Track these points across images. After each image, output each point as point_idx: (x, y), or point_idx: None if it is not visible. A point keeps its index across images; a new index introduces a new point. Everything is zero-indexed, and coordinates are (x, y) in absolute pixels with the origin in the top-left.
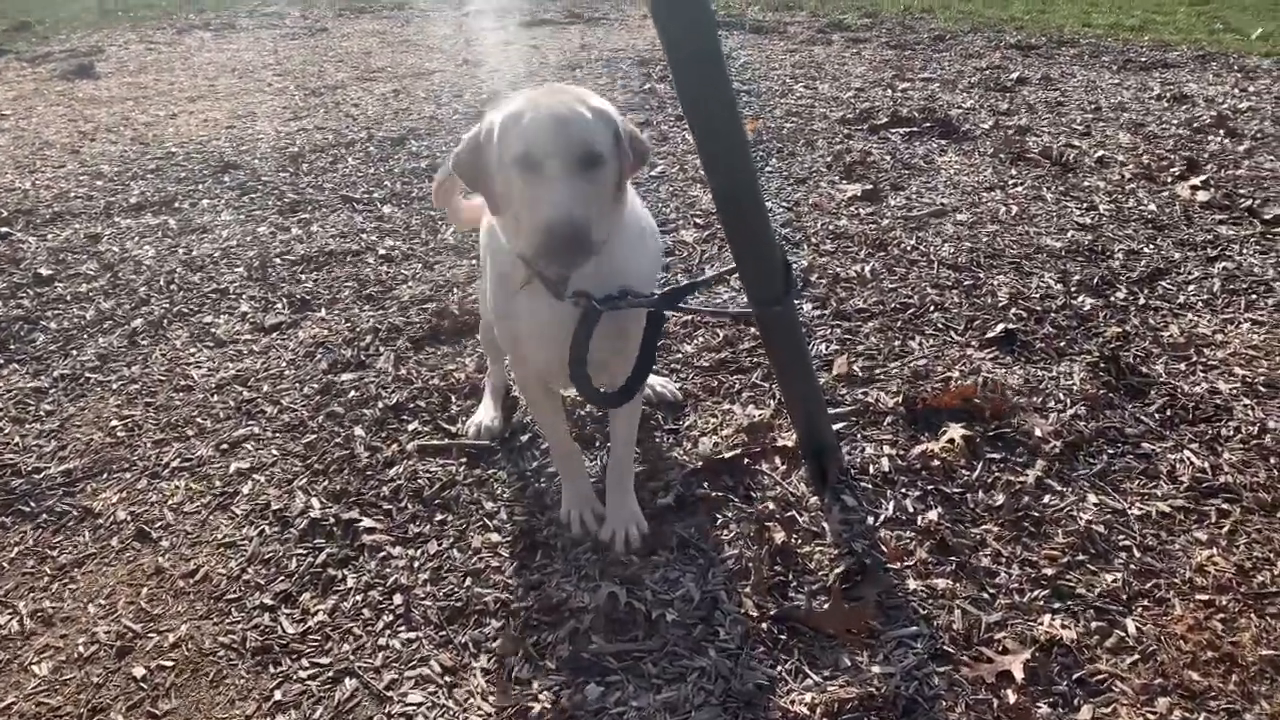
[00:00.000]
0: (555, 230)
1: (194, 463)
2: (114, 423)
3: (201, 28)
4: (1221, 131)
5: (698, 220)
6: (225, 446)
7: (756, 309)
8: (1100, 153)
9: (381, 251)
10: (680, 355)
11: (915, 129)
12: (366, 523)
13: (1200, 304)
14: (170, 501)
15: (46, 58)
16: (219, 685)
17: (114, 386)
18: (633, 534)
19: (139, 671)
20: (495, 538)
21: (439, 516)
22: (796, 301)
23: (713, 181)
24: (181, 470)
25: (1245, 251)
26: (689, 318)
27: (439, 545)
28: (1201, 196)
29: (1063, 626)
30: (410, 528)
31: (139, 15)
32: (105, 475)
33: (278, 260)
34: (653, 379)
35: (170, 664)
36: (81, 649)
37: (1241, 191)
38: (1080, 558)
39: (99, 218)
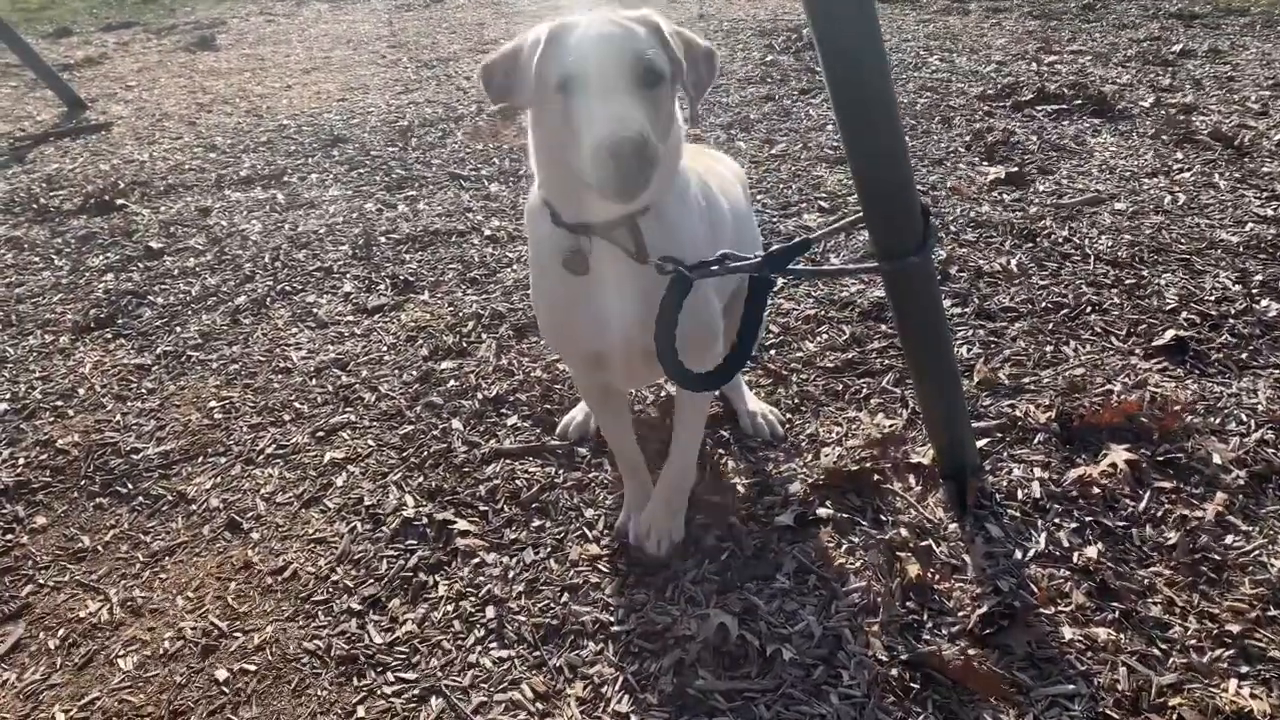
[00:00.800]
0: (619, 145)
1: (289, 450)
2: (212, 404)
3: None
4: None
5: (822, 203)
6: (321, 434)
7: (887, 264)
8: None
9: (487, 232)
10: (801, 354)
11: (1064, 106)
12: (461, 525)
13: None
14: (263, 491)
15: (172, 29)
16: (301, 695)
17: (214, 366)
18: (663, 541)
19: (222, 674)
20: (594, 549)
21: (536, 522)
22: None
23: (836, 85)
24: (276, 458)
25: None
26: (810, 310)
27: (535, 554)
28: None
29: (1251, 696)
30: (506, 533)
31: None
32: (201, 459)
33: (383, 239)
34: (758, 405)
35: (253, 668)
36: (167, 645)
37: None
38: (1272, 613)
39: (210, 190)
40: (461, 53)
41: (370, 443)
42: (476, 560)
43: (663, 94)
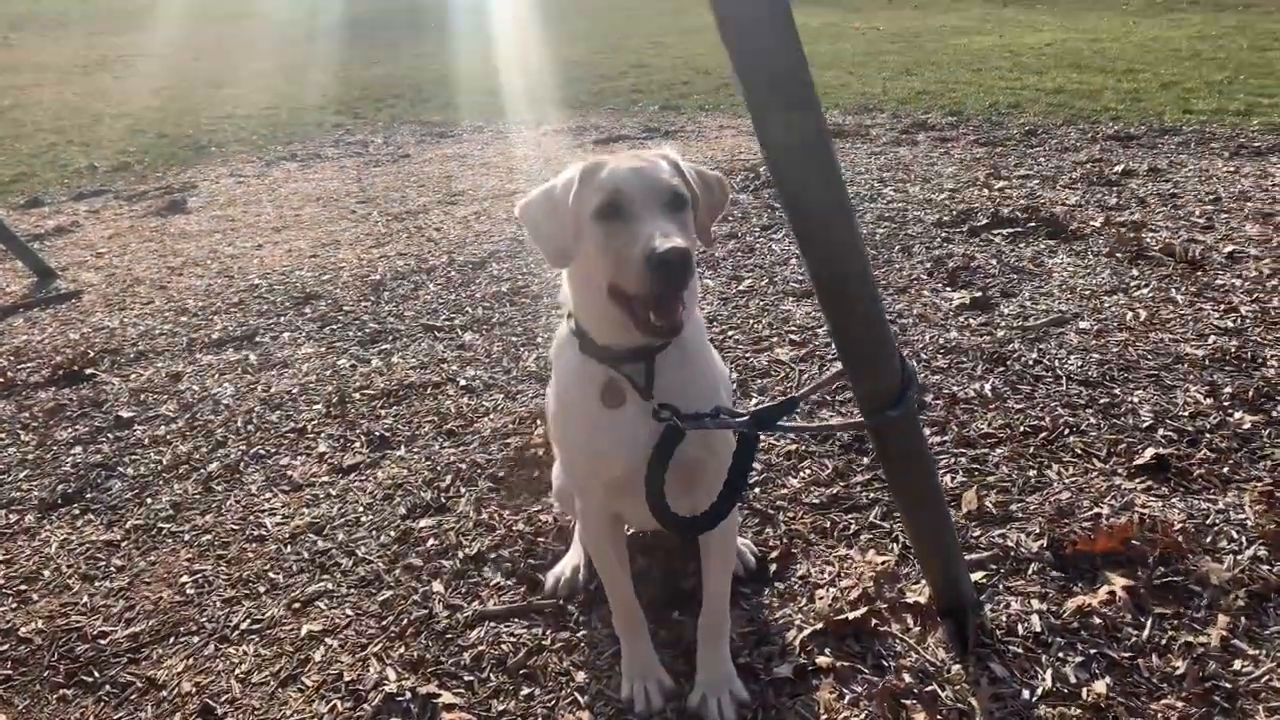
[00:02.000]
0: (670, 254)
1: (264, 624)
2: (184, 579)
3: (288, 158)
4: None
5: (793, 337)
6: (297, 605)
7: (871, 418)
8: (1230, 247)
9: (462, 382)
10: (785, 490)
11: (1019, 229)
12: (446, 697)
13: None
14: (238, 671)
15: (143, 195)
16: None
17: (186, 538)
18: (726, 702)
19: None
20: (587, 717)
21: (525, 690)
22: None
23: (812, 263)
24: (251, 634)
25: None
26: (791, 445)
27: None
28: None
29: None
30: (494, 704)
31: (229, 149)
32: (172, 640)
33: (357, 395)
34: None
35: None
36: None
37: None
38: None
39: (181, 355)
40: (430, 205)
41: (348, 612)
42: None
43: (687, 218)
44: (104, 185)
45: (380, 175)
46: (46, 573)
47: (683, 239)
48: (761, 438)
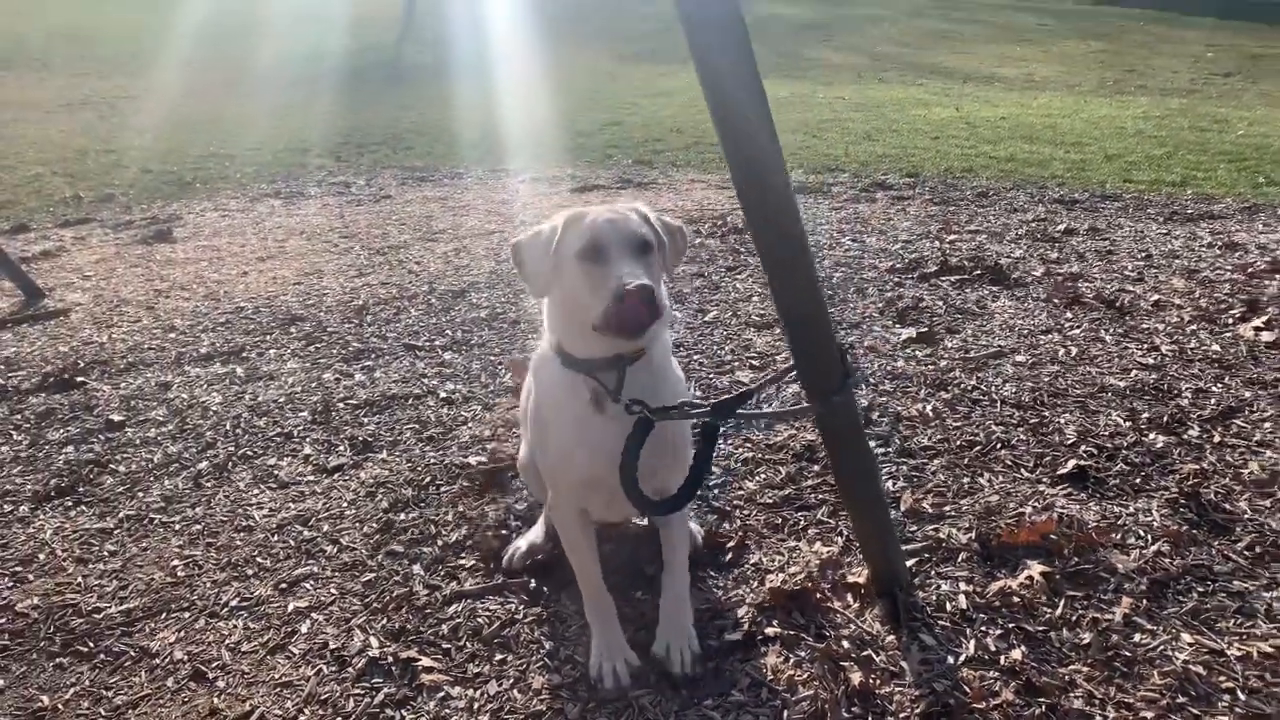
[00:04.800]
0: (635, 292)
1: (252, 602)
2: (175, 562)
3: (272, 195)
4: (1278, 276)
5: (753, 362)
6: (284, 585)
7: (817, 404)
8: (1156, 297)
9: (442, 395)
10: (742, 491)
11: (965, 276)
12: (425, 661)
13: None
14: (228, 641)
15: (129, 225)
16: None
17: (176, 527)
18: (685, 654)
19: None
20: (557, 679)
21: (499, 656)
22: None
23: (769, 264)
24: (240, 610)
25: None
26: (749, 453)
27: (499, 686)
28: (1266, 337)
29: None
30: (469, 667)
31: (214, 186)
32: (164, 615)
33: (340, 404)
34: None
35: None
36: None
37: None
38: (1180, 700)
39: (170, 367)
40: (411, 241)
41: (333, 591)
42: (441, 694)
43: (654, 260)
44: (89, 214)
45: (362, 213)
46: (41, 556)
47: (648, 278)
48: (719, 440)
